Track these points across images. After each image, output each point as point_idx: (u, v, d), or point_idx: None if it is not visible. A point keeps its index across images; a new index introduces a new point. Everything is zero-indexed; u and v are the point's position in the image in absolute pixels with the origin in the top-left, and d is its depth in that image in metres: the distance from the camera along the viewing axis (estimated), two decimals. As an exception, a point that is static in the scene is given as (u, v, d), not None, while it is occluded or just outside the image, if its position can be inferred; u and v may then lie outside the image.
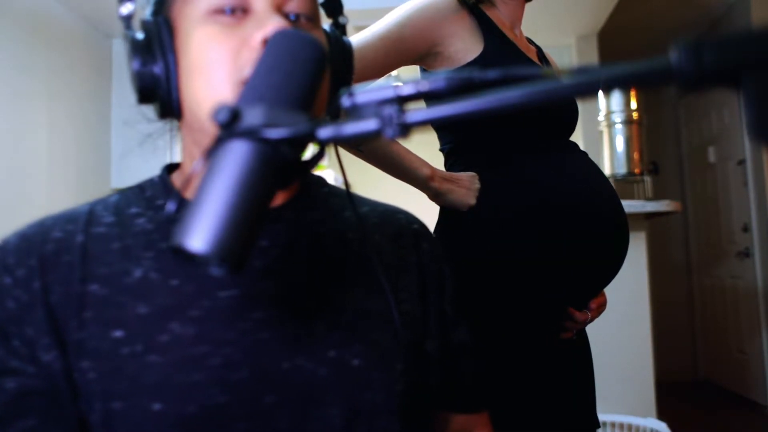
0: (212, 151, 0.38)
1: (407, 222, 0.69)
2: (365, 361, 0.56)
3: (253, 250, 0.57)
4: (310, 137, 0.37)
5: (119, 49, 3.64)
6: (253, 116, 0.38)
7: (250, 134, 0.37)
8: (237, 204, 0.36)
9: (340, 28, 0.64)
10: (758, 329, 3.60)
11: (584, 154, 1.09)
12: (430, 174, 1.03)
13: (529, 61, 1.09)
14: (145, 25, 0.56)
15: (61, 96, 3.20)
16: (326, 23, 0.65)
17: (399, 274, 0.63)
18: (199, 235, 0.36)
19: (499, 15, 1.12)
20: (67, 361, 0.53)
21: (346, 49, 0.63)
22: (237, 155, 0.37)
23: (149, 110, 0.60)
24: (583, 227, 0.99)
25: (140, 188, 0.64)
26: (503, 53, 1.05)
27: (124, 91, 3.59)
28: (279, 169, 0.39)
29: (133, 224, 0.59)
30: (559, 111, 1.08)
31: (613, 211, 1.04)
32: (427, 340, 0.64)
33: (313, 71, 0.45)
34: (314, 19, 0.59)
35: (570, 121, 1.10)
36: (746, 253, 3.74)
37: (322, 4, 0.63)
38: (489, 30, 1.06)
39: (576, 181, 1.03)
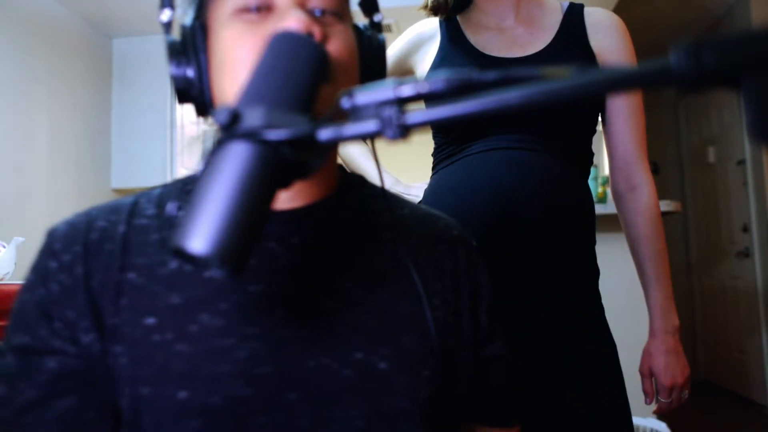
0: (212, 153, 0.38)
1: (446, 227, 0.68)
2: (391, 365, 0.56)
3: (284, 247, 0.59)
4: (311, 138, 0.37)
5: (119, 50, 3.64)
6: (253, 117, 0.38)
7: (250, 135, 0.37)
8: (237, 205, 0.36)
9: (375, 26, 0.65)
10: (758, 329, 3.60)
11: (524, 152, 1.04)
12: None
13: (484, 60, 1.09)
14: (182, 30, 0.59)
15: (61, 96, 3.19)
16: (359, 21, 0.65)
17: (433, 279, 0.63)
18: (199, 236, 0.36)
19: (479, 17, 1.14)
20: (104, 344, 0.55)
21: (379, 45, 0.63)
22: (237, 157, 0.37)
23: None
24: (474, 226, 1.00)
25: (183, 182, 0.65)
26: (445, 62, 1.11)
27: (124, 92, 3.59)
28: (279, 171, 0.39)
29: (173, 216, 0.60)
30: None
31: (526, 210, 1.01)
32: (458, 349, 0.63)
33: (313, 72, 0.45)
34: (341, 15, 0.59)
35: (547, 117, 1.07)
36: (746, 253, 3.74)
37: (360, 4, 0.64)
38: (445, 41, 1.13)
39: (477, 180, 1.04)
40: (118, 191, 3.56)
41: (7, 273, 2.07)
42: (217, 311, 0.55)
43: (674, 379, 1.04)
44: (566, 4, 1.14)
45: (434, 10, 1.16)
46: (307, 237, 0.60)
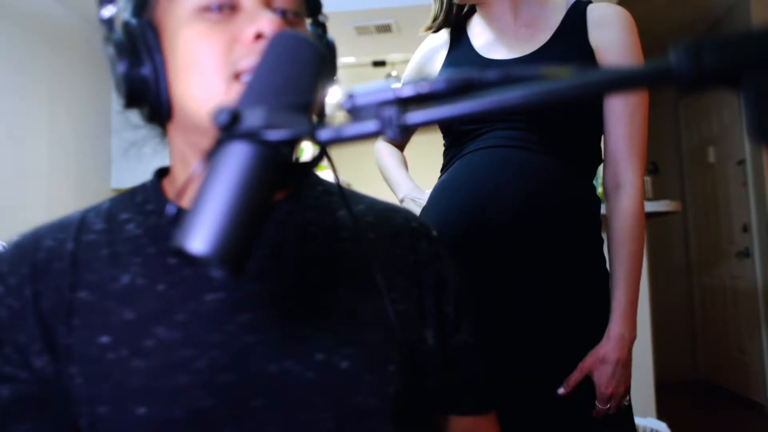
0: (212, 153, 0.38)
1: (405, 220, 0.67)
2: (355, 364, 0.56)
3: None
4: (311, 139, 0.37)
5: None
6: (253, 118, 0.38)
7: (250, 136, 0.37)
8: (237, 206, 0.36)
9: (320, 27, 0.64)
10: (758, 329, 3.60)
11: (511, 150, 1.05)
12: (401, 198, 1.27)
13: (484, 64, 1.11)
14: (128, 27, 0.55)
15: (61, 96, 3.19)
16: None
17: (394, 273, 0.62)
18: (200, 236, 0.36)
19: (483, 22, 1.17)
20: (58, 365, 0.54)
21: (330, 47, 0.63)
22: (237, 157, 0.37)
23: (136, 118, 0.59)
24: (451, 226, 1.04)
25: (132, 193, 0.63)
26: (449, 68, 1.16)
27: (124, 91, 3.59)
28: (279, 171, 0.39)
29: (122, 230, 0.59)
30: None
31: (499, 207, 1.02)
32: (423, 342, 0.63)
33: (312, 73, 0.45)
34: (300, 15, 0.59)
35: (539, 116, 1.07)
36: (746, 253, 3.74)
37: (305, 3, 0.63)
38: (452, 49, 1.19)
39: (459, 179, 1.08)
40: (117, 191, 3.56)
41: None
42: (173, 323, 0.54)
43: (616, 389, 1.00)
44: (572, 1, 1.12)
45: (438, 30, 1.21)
46: (265, 241, 0.59)
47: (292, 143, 0.38)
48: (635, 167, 1.06)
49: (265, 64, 0.44)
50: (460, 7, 1.19)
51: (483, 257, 1.03)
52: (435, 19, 1.20)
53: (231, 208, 0.36)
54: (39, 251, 0.57)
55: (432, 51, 1.24)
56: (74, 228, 0.59)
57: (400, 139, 0.36)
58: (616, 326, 1.01)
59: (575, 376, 1.01)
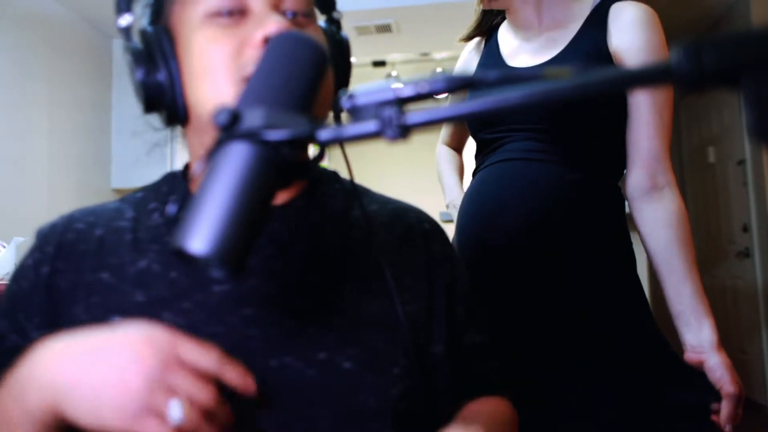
0: (212, 153, 0.38)
1: (418, 221, 0.67)
2: (358, 364, 0.56)
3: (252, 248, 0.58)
4: (311, 139, 0.37)
5: (119, 50, 3.64)
6: (253, 118, 0.38)
7: (251, 136, 0.37)
8: (237, 206, 0.36)
9: (335, 24, 0.65)
10: (758, 329, 3.60)
11: (522, 162, 1.04)
12: (447, 203, 1.33)
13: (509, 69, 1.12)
14: (145, 35, 0.57)
15: (61, 97, 3.19)
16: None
17: (405, 274, 0.62)
18: (200, 237, 0.36)
19: (511, 29, 1.17)
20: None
21: (344, 45, 0.63)
22: (237, 157, 0.37)
23: (153, 119, 0.61)
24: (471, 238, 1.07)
25: (160, 183, 0.66)
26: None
27: (124, 92, 3.59)
28: (279, 171, 0.39)
29: (149, 219, 0.62)
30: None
31: (505, 218, 1.03)
32: (433, 343, 0.62)
33: (313, 73, 0.45)
34: (311, 16, 0.59)
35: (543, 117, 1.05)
36: (746, 253, 3.74)
37: (315, 1, 0.63)
38: (482, 58, 1.20)
39: (472, 194, 1.11)
40: (118, 191, 3.56)
41: (8, 273, 2.07)
42: (179, 310, 0.56)
43: None
44: (597, 0, 1.07)
45: (470, 39, 1.25)
46: (273, 237, 0.60)
47: (292, 143, 0.38)
48: (669, 167, 1.03)
49: (265, 64, 0.44)
50: (498, 13, 1.20)
51: (492, 269, 1.03)
52: (470, 29, 1.23)
53: (230, 208, 0.36)
54: (68, 232, 0.60)
55: (467, 61, 1.26)
56: (107, 215, 0.62)
57: (400, 138, 0.36)
58: (715, 332, 1.02)
59: (732, 403, 1.01)
